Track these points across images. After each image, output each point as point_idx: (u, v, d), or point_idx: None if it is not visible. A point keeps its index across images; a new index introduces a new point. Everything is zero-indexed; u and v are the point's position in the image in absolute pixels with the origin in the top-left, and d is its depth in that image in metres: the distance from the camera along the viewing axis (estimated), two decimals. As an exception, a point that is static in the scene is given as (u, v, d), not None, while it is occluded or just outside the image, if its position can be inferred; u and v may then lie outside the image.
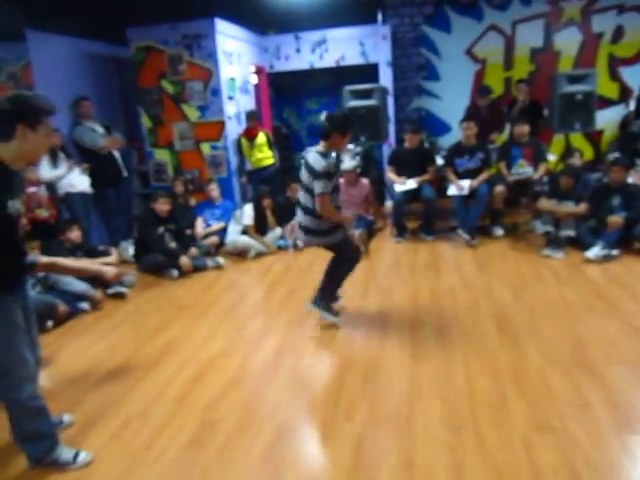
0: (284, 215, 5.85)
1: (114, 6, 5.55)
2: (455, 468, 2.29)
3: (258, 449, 2.53)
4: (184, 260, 5.22)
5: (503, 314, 3.82)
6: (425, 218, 6.06)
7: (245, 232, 5.77)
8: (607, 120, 7.12)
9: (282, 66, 7.80)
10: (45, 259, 2.68)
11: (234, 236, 5.78)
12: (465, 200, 5.71)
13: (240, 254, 5.72)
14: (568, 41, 7.19)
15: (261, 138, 6.78)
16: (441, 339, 3.51)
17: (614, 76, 7.21)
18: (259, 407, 2.90)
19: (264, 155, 6.84)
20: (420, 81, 7.68)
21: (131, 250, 5.74)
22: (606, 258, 4.72)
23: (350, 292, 4.47)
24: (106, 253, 5.00)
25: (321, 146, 3.51)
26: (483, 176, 5.73)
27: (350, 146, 7.30)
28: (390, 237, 6.08)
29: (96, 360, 3.62)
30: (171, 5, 5.86)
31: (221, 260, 5.51)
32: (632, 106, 6.85)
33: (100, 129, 5.84)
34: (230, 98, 6.64)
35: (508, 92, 7.29)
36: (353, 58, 7.50)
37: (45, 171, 5.17)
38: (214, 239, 5.89)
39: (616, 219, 4.81)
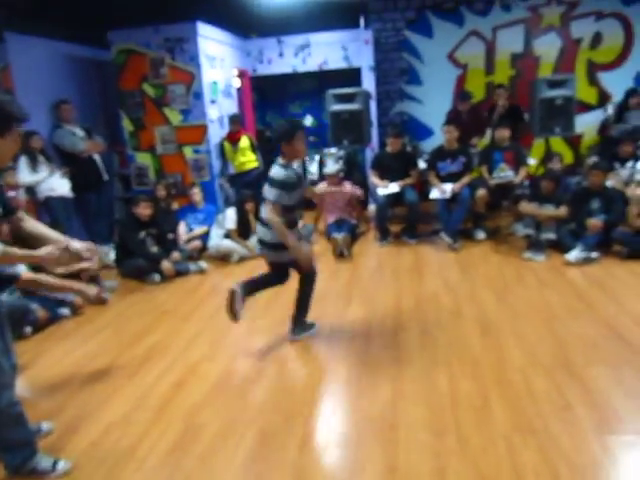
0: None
1: (95, 9, 5.50)
2: (439, 472, 2.29)
3: (241, 455, 2.51)
4: (166, 265, 5.17)
5: (486, 317, 3.84)
6: (408, 222, 6.09)
7: (228, 236, 5.74)
8: (586, 124, 7.23)
9: (265, 70, 7.80)
10: (29, 275, 2.65)
11: (217, 240, 5.75)
12: (447, 204, 5.75)
13: (223, 258, 5.69)
14: (548, 46, 7.29)
15: (244, 142, 6.76)
16: (424, 343, 3.52)
17: (593, 81, 7.34)
18: (242, 412, 2.88)
19: (247, 159, 6.82)
20: (402, 85, 7.72)
21: (112, 255, 5.67)
22: (586, 261, 4.78)
23: (333, 296, 4.47)
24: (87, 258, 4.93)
25: (280, 159, 3.44)
26: (465, 179, 5.77)
27: (333, 150, 7.34)
28: (373, 241, 6.09)
29: (77, 366, 3.57)
30: (153, 8, 5.82)
31: (204, 264, 5.47)
32: (610, 110, 6.95)
33: (81, 132, 5.79)
34: (213, 102, 6.61)
35: (489, 97, 7.37)
36: (336, 62, 7.53)
37: (24, 175, 5.10)
38: (197, 243, 5.85)
39: (595, 222, 4.87)
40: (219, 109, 6.82)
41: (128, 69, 6.43)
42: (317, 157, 7.87)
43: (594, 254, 4.83)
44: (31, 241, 2.55)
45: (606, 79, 7.29)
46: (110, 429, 2.79)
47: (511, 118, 6.33)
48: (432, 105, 7.58)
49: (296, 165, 3.44)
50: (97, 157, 5.87)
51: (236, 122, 6.74)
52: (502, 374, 3.04)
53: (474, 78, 7.52)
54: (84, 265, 4.69)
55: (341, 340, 3.66)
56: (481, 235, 5.86)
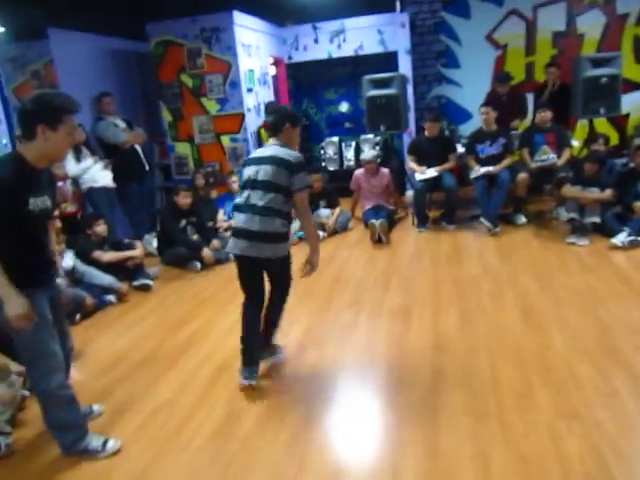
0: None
1: (133, 2, 5.59)
2: (481, 456, 2.29)
3: (283, 438, 2.56)
4: (206, 252, 5.27)
5: (527, 303, 3.78)
6: (446, 207, 6.02)
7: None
8: (633, 104, 6.97)
9: (300, 57, 7.78)
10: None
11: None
12: (487, 188, 5.65)
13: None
14: (592, 24, 7.03)
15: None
16: (465, 328, 3.50)
17: (640, 58, 7.05)
18: (283, 397, 2.92)
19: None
20: (440, 68, 7.59)
21: (155, 243, 5.81)
22: (633, 244, 4.63)
23: (371, 283, 4.47)
24: (131, 246, 5.06)
25: (278, 140, 3.06)
26: (506, 162, 5.66)
27: (370, 136, 7.29)
28: (411, 227, 6.05)
29: (123, 351, 3.69)
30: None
31: (243, 252, 5.53)
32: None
33: (122, 124, 5.91)
34: (249, 90, 6.65)
35: (530, 78, 7.17)
36: (372, 47, 7.45)
37: (71, 166, 5.24)
38: (236, 231, 5.91)
39: (643, 205, 4.72)
40: (255, 97, 6.85)
41: (166, 60, 6.52)
42: (353, 143, 7.82)
43: (641, 238, 4.68)
44: None
45: (654, 56, 7.00)
46: (156, 412, 2.88)
47: (562, 97, 6.13)
48: (471, 88, 7.42)
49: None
50: (138, 148, 5.98)
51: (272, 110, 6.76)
52: (545, 360, 3.00)
53: (514, 59, 7.32)
54: (130, 254, 4.86)
55: (381, 327, 3.67)
56: (522, 220, 5.74)
